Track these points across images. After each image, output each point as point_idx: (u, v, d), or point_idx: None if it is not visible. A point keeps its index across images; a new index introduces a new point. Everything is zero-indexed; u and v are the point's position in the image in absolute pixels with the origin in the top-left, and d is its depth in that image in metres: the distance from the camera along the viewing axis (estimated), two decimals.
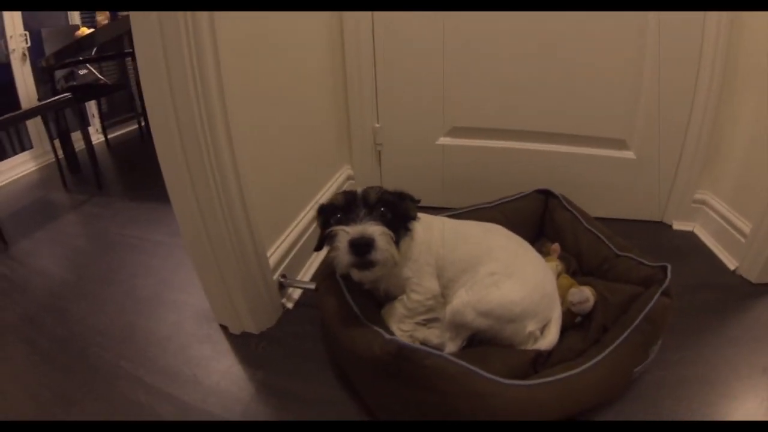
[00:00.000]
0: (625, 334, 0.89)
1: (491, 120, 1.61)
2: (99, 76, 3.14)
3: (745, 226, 1.33)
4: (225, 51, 0.91)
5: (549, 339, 0.96)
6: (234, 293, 1.11)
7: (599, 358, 0.87)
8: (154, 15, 0.83)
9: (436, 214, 1.13)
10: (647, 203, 1.61)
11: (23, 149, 2.79)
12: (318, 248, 1.00)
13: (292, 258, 1.31)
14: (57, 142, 2.50)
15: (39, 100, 2.67)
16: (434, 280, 1.01)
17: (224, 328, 1.21)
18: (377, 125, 1.69)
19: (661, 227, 1.61)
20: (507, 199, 1.39)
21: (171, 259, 1.59)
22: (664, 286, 0.96)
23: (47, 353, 1.17)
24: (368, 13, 1.52)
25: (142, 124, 3.21)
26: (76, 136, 2.57)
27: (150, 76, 0.89)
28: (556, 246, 1.23)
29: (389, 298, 1.05)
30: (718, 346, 1.07)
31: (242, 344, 1.16)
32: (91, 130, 3.06)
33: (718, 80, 1.35)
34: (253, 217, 1.06)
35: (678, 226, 1.59)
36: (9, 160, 2.68)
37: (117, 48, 3.19)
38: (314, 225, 1.17)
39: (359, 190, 0.94)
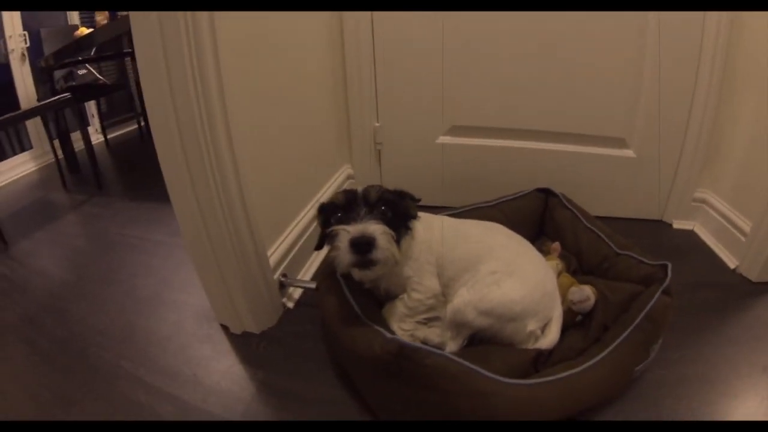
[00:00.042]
0: (626, 333, 0.89)
1: (491, 119, 1.61)
2: (98, 76, 3.14)
3: (746, 225, 1.33)
4: (225, 51, 0.91)
5: (550, 338, 0.96)
6: (234, 293, 1.11)
7: (600, 357, 0.87)
8: (154, 15, 0.83)
9: (436, 213, 1.13)
10: (647, 202, 1.61)
11: (23, 149, 2.79)
12: (318, 247, 1.00)
13: (293, 257, 1.31)
14: (56, 143, 2.49)
15: (38, 100, 2.67)
16: (435, 279, 1.01)
17: (225, 327, 1.21)
18: (377, 124, 1.69)
19: (661, 226, 1.61)
20: (507, 198, 1.40)
21: (171, 258, 1.59)
22: (665, 284, 0.96)
23: (47, 353, 1.17)
24: (368, 13, 1.52)
25: (142, 124, 3.21)
26: (76, 137, 2.57)
27: (150, 76, 0.89)
28: (556, 245, 1.23)
29: (390, 297, 1.05)
30: (718, 344, 1.07)
31: (243, 344, 1.15)
32: (90, 130, 3.06)
33: (717, 79, 1.36)
34: (253, 217, 1.06)
35: (678, 224, 1.59)
36: (9, 160, 2.68)
37: (116, 48, 3.19)
38: (314, 224, 1.17)
39: (360, 188, 0.94)
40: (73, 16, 3.09)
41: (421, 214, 1.02)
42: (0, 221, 1.87)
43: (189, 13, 0.83)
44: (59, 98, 2.22)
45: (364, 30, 1.54)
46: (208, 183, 0.96)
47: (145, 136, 3.19)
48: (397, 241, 0.91)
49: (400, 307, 1.01)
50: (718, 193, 1.49)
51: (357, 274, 0.98)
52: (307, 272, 1.41)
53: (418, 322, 1.01)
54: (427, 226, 1.03)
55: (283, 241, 1.30)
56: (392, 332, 0.92)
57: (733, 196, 1.43)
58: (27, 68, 2.70)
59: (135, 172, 2.63)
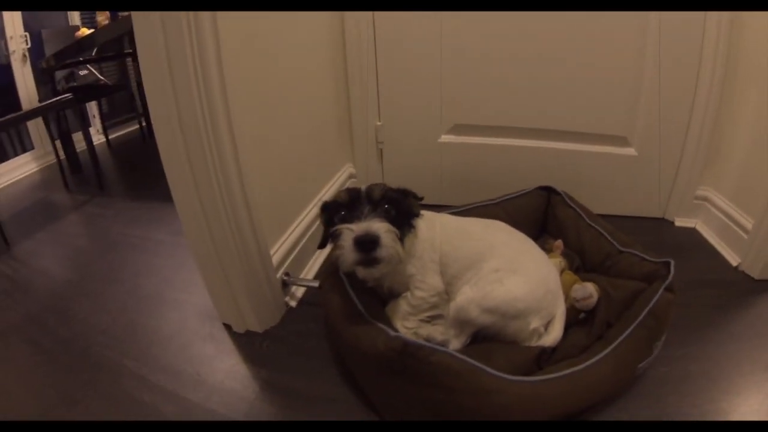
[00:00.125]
0: (629, 330, 0.89)
1: (493, 117, 1.61)
2: (99, 76, 3.14)
3: (748, 223, 1.33)
4: (227, 51, 0.91)
5: (553, 335, 0.96)
6: (237, 292, 1.11)
7: (603, 354, 0.87)
8: (156, 15, 0.83)
9: (438, 212, 1.13)
10: (649, 200, 1.61)
11: (24, 150, 2.79)
12: (322, 246, 1.00)
13: (296, 256, 1.31)
14: (58, 143, 2.50)
15: (40, 101, 2.68)
16: (438, 276, 1.01)
17: (227, 326, 1.21)
18: (379, 123, 1.69)
19: (663, 224, 1.61)
20: (509, 196, 1.40)
21: (173, 258, 1.59)
22: (668, 281, 0.95)
23: (50, 353, 1.17)
24: (369, 13, 1.52)
25: (143, 124, 3.21)
26: (77, 137, 2.58)
27: (152, 76, 0.89)
28: (559, 242, 1.23)
29: (393, 295, 1.05)
30: (720, 342, 1.07)
31: (246, 343, 1.15)
32: (92, 130, 3.06)
33: (719, 77, 1.36)
34: (256, 216, 1.06)
35: (680, 222, 1.59)
36: (10, 161, 2.68)
37: (117, 48, 3.19)
38: (317, 223, 1.17)
39: (363, 187, 0.94)
40: (74, 17, 3.10)
41: (423, 212, 1.02)
42: (2, 222, 1.87)
43: (191, 13, 0.83)
44: (60, 99, 2.22)
45: (366, 29, 1.54)
46: (211, 183, 0.96)
47: (146, 136, 3.19)
48: (401, 240, 0.91)
49: (403, 305, 1.01)
50: (720, 190, 1.49)
51: (361, 272, 0.98)
52: (309, 271, 1.41)
53: (422, 320, 1.01)
54: (429, 225, 1.03)
55: (286, 239, 1.30)
56: (396, 330, 0.92)
57: (735, 194, 1.43)
58: (28, 69, 2.71)
59: (136, 172, 2.63)
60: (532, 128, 1.59)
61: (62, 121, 2.49)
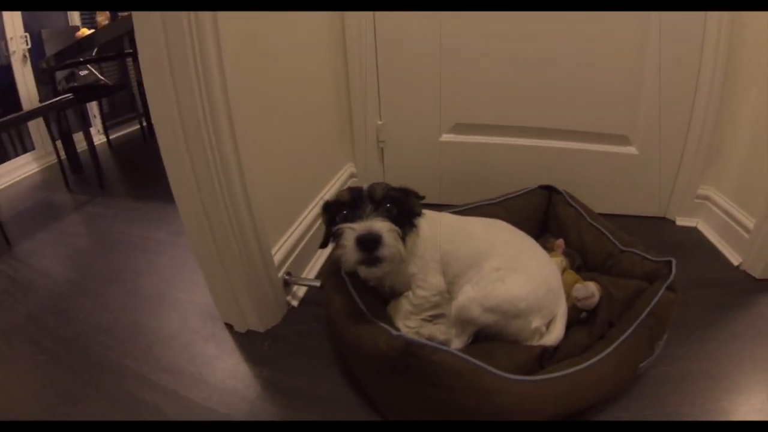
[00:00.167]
0: (631, 330, 0.89)
1: (494, 117, 1.61)
2: (100, 76, 3.14)
3: (749, 222, 1.33)
4: (228, 51, 0.91)
5: (555, 335, 0.96)
6: (239, 291, 1.11)
7: (605, 353, 0.86)
8: (157, 15, 0.83)
9: (439, 211, 1.13)
10: (650, 199, 1.61)
11: (25, 151, 2.80)
12: (323, 245, 1.00)
13: (297, 255, 1.31)
14: (59, 143, 2.50)
15: (40, 101, 2.68)
16: (439, 276, 1.01)
17: (229, 326, 1.21)
18: (380, 122, 1.69)
19: (664, 223, 1.61)
20: (510, 196, 1.40)
21: (174, 257, 1.59)
22: (669, 280, 0.95)
23: (51, 353, 1.17)
24: (370, 12, 1.52)
25: (144, 124, 3.21)
26: (78, 137, 2.58)
27: (153, 76, 0.89)
28: (560, 242, 1.23)
29: (395, 294, 1.05)
30: (722, 341, 1.07)
31: (247, 342, 1.15)
32: (92, 130, 3.06)
33: (719, 77, 1.36)
34: (257, 215, 1.06)
35: (681, 221, 1.59)
36: (11, 161, 2.69)
37: (117, 48, 3.19)
38: (319, 222, 1.17)
39: (365, 186, 0.94)
40: (74, 17, 3.10)
41: (424, 211, 1.02)
42: (3, 222, 1.87)
43: (192, 13, 0.83)
44: (61, 99, 2.22)
45: (366, 29, 1.54)
46: (213, 182, 0.96)
47: (147, 136, 3.20)
48: (403, 239, 0.91)
49: (405, 304, 1.01)
50: (721, 190, 1.49)
51: (363, 271, 0.98)
52: (311, 270, 1.41)
53: (423, 320, 1.01)
54: (431, 224, 1.03)
55: (287, 239, 1.30)
56: (397, 329, 0.92)
57: (736, 193, 1.42)
58: (29, 69, 2.71)
59: (137, 172, 2.64)
60: (533, 127, 1.59)
61: (63, 121, 2.50)
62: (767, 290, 1.23)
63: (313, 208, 1.44)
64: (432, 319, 1.02)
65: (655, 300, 0.92)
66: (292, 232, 1.33)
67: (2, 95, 2.65)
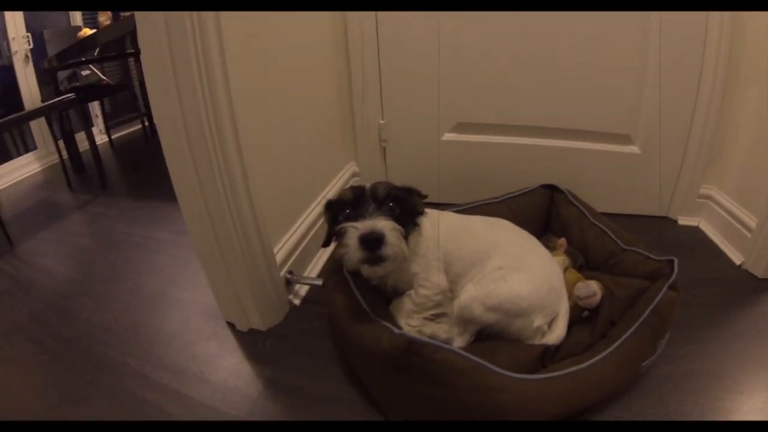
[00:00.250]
0: (633, 328, 0.89)
1: (496, 116, 1.61)
2: (102, 76, 3.15)
3: (751, 221, 1.33)
4: (230, 50, 0.91)
5: (557, 333, 0.96)
6: (241, 290, 1.11)
7: (607, 352, 0.86)
8: (160, 15, 0.83)
9: (442, 210, 1.13)
10: (652, 198, 1.61)
11: (27, 150, 2.80)
12: (326, 244, 1.01)
13: (299, 254, 1.31)
14: (61, 143, 2.51)
15: (42, 101, 2.68)
16: (442, 274, 1.01)
17: (231, 325, 1.21)
18: (382, 121, 1.70)
19: (666, 222, 1.61)
20: (513, 195, 1.40)
21: (176, 257, 1.59)
22: (671, 279, 0.95)
23: (53, 352, 1.18)
24: (372, 12, 1.52)
25: (146, 123, 3.22)
26: (80, 137, 2.58)
27: (156, 76, 0.89)
28: (562, 241, 1.23)
29: (397, 293, 1.05)
30: (724, 340, 1.07)
31: (249, 341, 1.16)
32: (94, 130, 3.07)
33: (721, 77, 1.35)
34: (260, 215, 1.06)
35: (683, 221, 1.59)
36: (14, 161, 2.69)
37: (119, 48, 3.20)
38: (321, 221, 1.17)
39: (367, 185, 0.94)
40: (76, 17, 3.10)
41: (427, 210, 1.02)
42: (5, 221, 1.87)
43: (195, 13, 0.83)
44: (63, 99, 2.22)
45: (369, 28, 1.54)
46: (215, 182, 0.96)
47: (149, 135, 3.20)
48: (406, 238, 0.91)
49: (407, 303, 1.01)
50: (724, 189, 1.49)
51: (366, 270, 0.98)
52: (313, 269, 1.41)
53: (426, 318, 1.01)
54: (433, 223, 1.03)
55: (290, 238, 1.30)
56: (400, 328, 0.92)
57: (738, 193, 1.42)
58: (31, 69, 2.71)
59: (139, 172, 2.64)
60: (535, 126, 1.59)
61: (65, 121, 2.50)
62: None
63: (316, 207, 1.44)
64: (434, 317, 1.03)
65: (657, 299, 0.92)
66: (295, 231, 1.33)
67: (4, 95, 2.65)
